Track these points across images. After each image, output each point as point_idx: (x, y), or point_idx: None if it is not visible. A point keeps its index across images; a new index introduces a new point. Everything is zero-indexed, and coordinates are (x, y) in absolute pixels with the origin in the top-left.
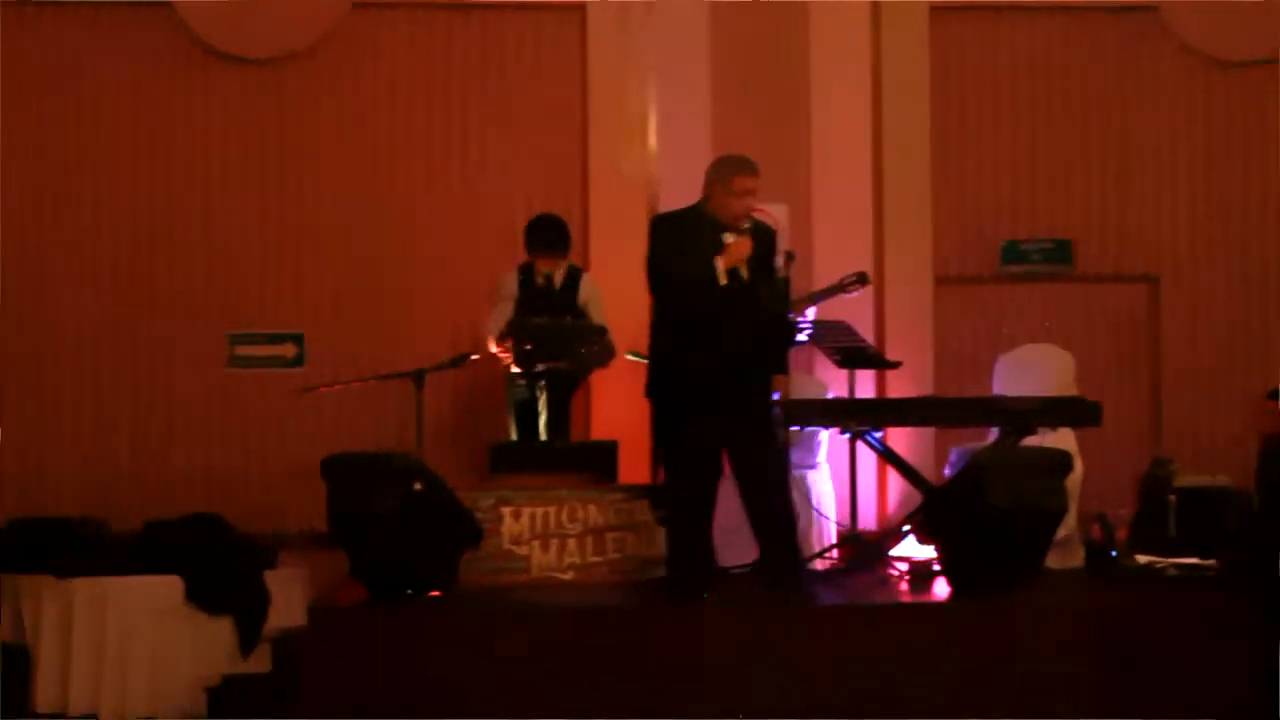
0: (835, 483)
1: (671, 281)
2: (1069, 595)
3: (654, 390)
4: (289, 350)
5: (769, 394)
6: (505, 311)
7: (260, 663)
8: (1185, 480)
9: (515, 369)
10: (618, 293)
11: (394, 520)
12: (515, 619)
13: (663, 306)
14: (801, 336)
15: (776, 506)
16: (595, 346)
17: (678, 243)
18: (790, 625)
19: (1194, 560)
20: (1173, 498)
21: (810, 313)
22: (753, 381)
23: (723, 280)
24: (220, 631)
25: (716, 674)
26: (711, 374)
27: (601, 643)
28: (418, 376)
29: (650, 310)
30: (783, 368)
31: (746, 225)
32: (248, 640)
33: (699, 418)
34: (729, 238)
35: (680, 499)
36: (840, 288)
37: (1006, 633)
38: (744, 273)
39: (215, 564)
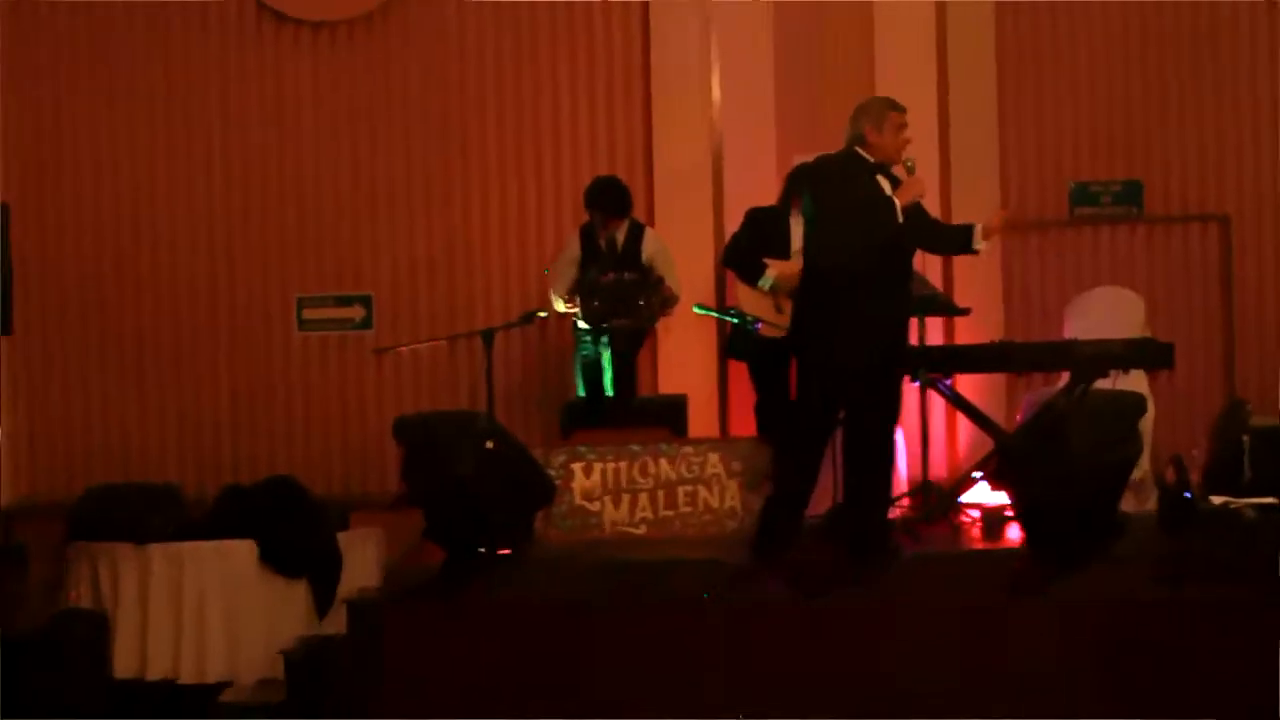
0: (906, 431)
1: (857, 229)
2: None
3: (812, 348)
4: (358, 313)
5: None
6: (569, 272)
7: (336, 625)
8: (1260, 421)
9: (584, 325)
10: (683, 247)
11: (468, 480)
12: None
13: (839, 256)
14: None
15: (881, 466)
16: (654, 297)
17: (852, 189)
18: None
19: (1271, 500)
20: (1246, 438)
21: None
22: (902, 334)
23: (901, 219)
24: (296, 594)
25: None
26: (879, 329)
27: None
28: (487, 336)
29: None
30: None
31: (910, 160)
32: (323, 602)
33: (844, 376)
34: (902, 175)
35: (799, 458)
36: None
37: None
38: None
39: (288, 527)
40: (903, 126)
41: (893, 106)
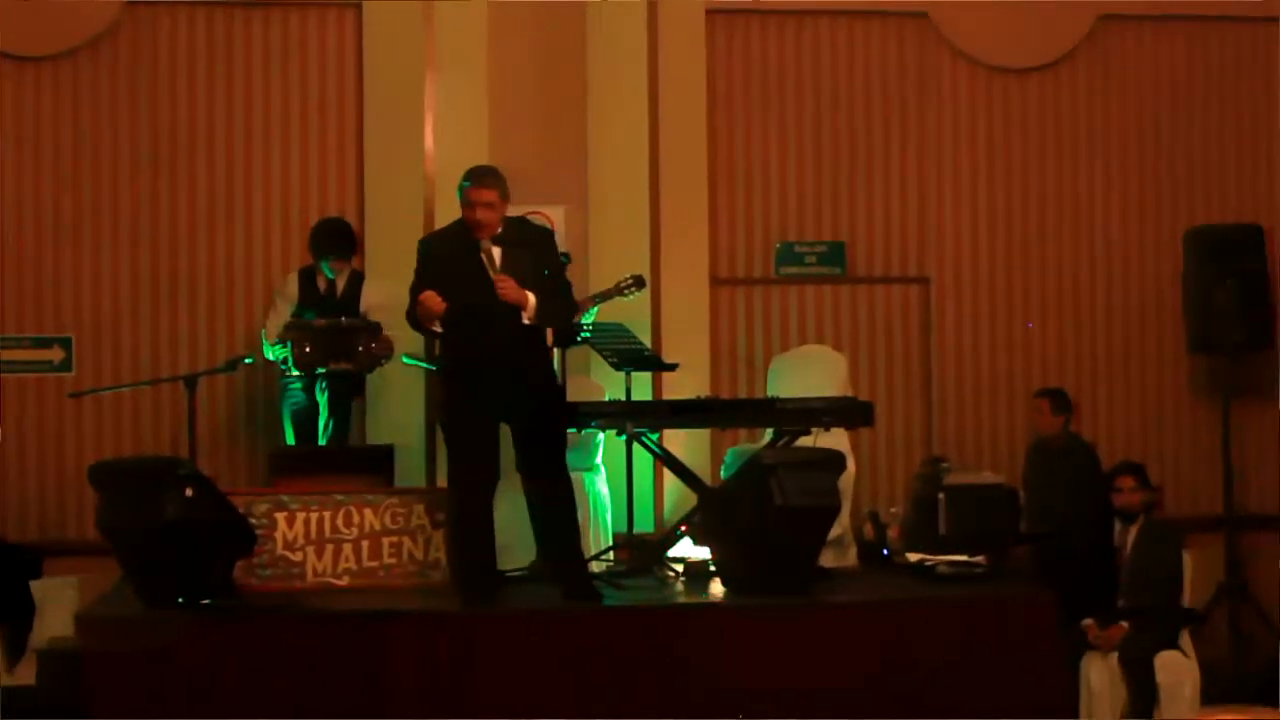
0: (612, 485)
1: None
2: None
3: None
4: (56, 354)
5: (557, 394)
6: (283, 314)
7: (27, 675)
8: (954, 479)
9: (295, 371)
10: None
11: (165, 528)
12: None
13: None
14: (579, 338)
15: (565, 510)
16: (372, 344)
17: (439, 269)
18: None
19: (963, 558)
20: (942, 496)
21: (591, 314)
22: (539, 383)
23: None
24: None
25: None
26: (492, 379)
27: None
28: (189, 381)
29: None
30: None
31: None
32: (13, 652)
33: (484, 420)
34: (492, 265)
35: (465, 502)
36: (617, 291)
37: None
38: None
39: None
40: (479, 204)
41: (472, 180)
